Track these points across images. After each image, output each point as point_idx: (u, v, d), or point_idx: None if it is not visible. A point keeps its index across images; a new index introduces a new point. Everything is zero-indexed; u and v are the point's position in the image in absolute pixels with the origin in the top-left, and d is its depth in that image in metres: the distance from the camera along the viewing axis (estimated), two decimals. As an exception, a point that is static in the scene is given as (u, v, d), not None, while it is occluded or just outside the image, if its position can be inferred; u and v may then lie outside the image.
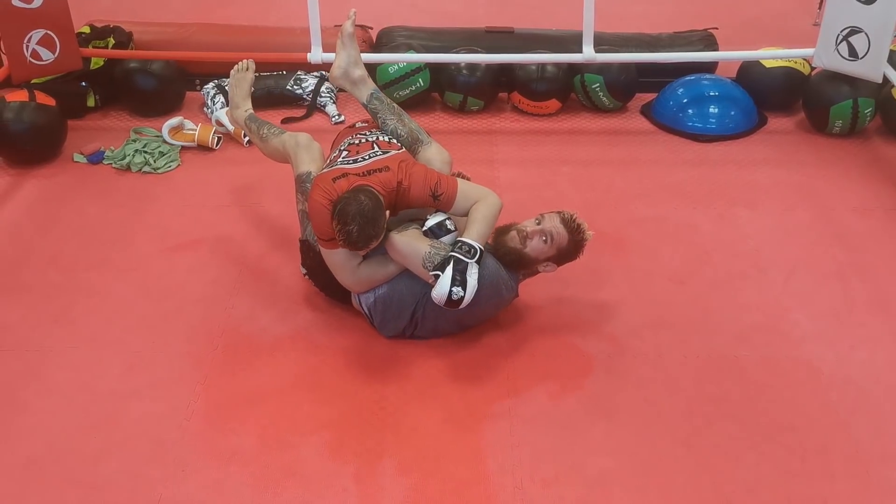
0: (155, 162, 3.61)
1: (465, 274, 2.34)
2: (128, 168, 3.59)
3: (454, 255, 2.37)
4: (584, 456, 2.28)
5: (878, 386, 2.50)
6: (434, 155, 2.75)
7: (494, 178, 3.50)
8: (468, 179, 2.83)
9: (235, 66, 3.12)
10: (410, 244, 2.46)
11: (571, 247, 2.55)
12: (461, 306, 2.36)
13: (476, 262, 2.38)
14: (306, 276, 2.80)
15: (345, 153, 2.65)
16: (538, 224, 2.54)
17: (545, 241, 2.52)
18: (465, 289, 2.33)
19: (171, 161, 3.64)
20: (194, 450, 2.29)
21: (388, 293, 2.55)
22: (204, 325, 2.73)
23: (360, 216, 2.34)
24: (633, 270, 2.98)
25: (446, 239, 2.47)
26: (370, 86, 2.88)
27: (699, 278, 2.95)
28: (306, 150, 2.78)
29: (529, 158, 3.72)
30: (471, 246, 2.40)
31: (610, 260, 3.01)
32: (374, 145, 2.65)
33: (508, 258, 2.55)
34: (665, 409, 2.42)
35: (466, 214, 2.54)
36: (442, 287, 2.33)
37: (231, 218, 3.28)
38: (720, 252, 3.08)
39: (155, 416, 2.40)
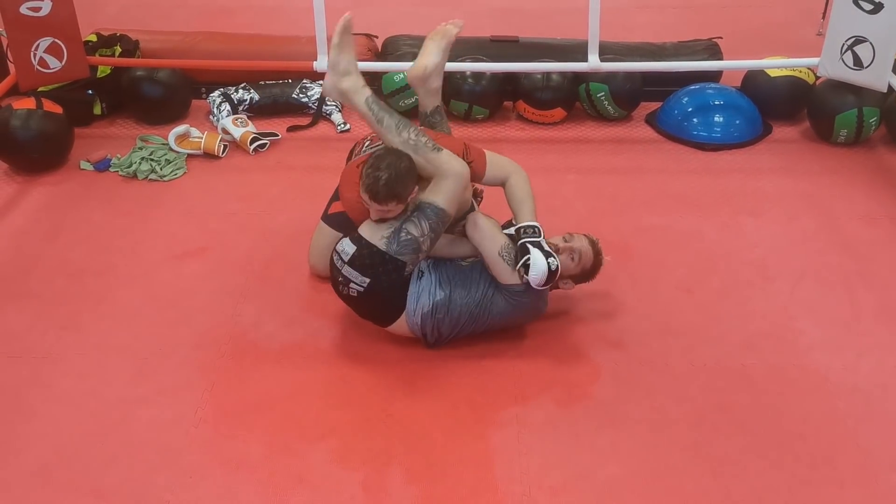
0: (161, 169, 3.62)
1: (544, 248, 2.51)
2: (134, 175, 3.60)
3: (526, 241, 2.51)
4: (591, 464, 2.28)
5: (886, 394, 2.49)
6: None
7: (500, 187, 3.50)
8: None
9: (339, 25, 2.59)
10: (494, 229, 2.57)
11: (591, 268, 2.64)
12: (558, 274, 2.51)
13: (542, 237, 2.54)
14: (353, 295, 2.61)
15: (367, 142, 2.72)
16: (567, 241, 2.60)
17: (573, 259, 2.59)
18: (555, 257, 2.50)
19: (178, 169, 3.65)
20: (202, 457, 2.29)
21: (446, 300, 2.55)
22: (211, 332, 2.73)
23: (395, 168, 2.39)
24: (639, 278, 2.98)
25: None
26: (438, 99, 2.82)
27: (705, 286, 2.95)
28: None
29: (534, 167, 3.67)
30: (531, 227, 2.55)
31: (616, 268, 3.00)
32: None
33: None
34: (672, 417, 2.42)
35: (495, 184, 2.64)
36: (539, 266, 2.47)
37: (237, 225, 3.28)
38: (726, 260, 3.08)
39: (162, 422, 2.40)
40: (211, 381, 2.54)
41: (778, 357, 2.64)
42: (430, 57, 2.73)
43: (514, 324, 2.67)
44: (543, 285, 2.50)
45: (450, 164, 2.49)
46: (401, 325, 2.58)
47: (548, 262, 2.47)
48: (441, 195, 2.47)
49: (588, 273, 2.64)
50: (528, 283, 2.50)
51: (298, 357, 2.63)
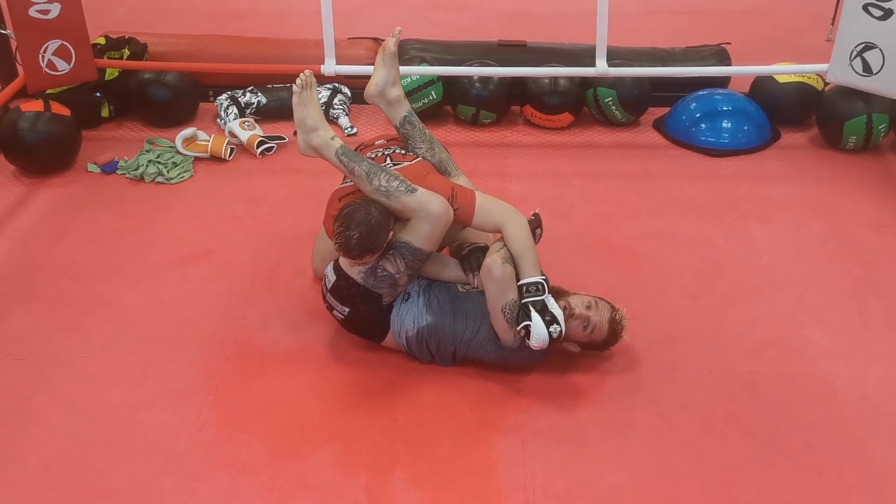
0: (168, 172, 3.62)
1: (548, 309, 2.38)
2: (141, 178, 3.60)
3: (528, 301, 2.39)
4: (596, 471, 2.26)
5: (894, 403, 2.47)
6: None
7: (507, 192, 3.50)
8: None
9: (298, 83, 2.67)
10: (507, 282, 2.41)
11: (601, 343, 2.54)
12: (561, 339, 2.41)
13: (548, 293, 2.41)
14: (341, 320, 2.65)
15: (381, 141, 2.69)
16: (588, 308, 2.48)
17: (584, 328, 2.48)
18: (559, 322, 2.38)
19: (185, 171, 3.65)
20: (205, 460, 2.29)
21: (432, 326, 2.51)
22: (216, 336, 2.73)
23: (365, 224, 2.35)
24: (646, 285, 2.97)
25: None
26: (405, 108, 2.76)
27: (712, 293, 2.93)
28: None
29: (542, 172, 3.72)
30: (535, 283, 2.41)
31: (622, 274, 3.00)
32: (388, 158, 2.63)
33: None
34: (678, 425, 2.41)
35: (487, 231, 2.54)
36: (540, 335, 2.36)
37: (244, 228, 3.28)
38: (733, 267, 3.07)
39: (166, 426, 2.39)
40: (215, 384, 2.54)
41: (785, 365, 2.62)
42: (377, 73, 2.77)
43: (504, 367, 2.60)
44: (545, 348, 2.41)
45: (424, 206, 2.42)
46: (391, 342, 2.58)
47: (549, 331, 2.36)
48: (416, 235, 2.44)
49: (597, 345, 2.53)
50: (522, 339, 2.41)
51: (303, 361, 2.63)
